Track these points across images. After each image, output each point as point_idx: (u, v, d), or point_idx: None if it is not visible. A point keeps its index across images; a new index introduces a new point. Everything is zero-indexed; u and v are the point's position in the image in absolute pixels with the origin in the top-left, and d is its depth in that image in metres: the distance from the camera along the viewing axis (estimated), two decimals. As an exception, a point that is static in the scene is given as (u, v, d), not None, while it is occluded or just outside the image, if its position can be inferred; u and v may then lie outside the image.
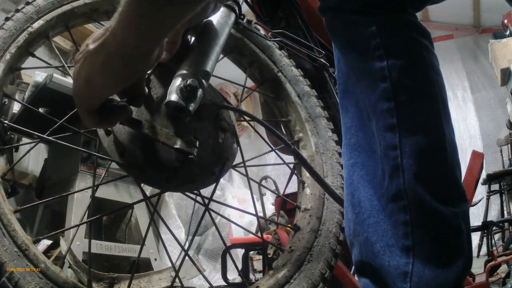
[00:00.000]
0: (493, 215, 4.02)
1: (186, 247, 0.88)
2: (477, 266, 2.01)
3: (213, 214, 0.91)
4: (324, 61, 1.37)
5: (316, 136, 1.06)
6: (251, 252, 2.78)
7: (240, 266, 2.24)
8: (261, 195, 3.00)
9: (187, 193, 0.86)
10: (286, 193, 1.66)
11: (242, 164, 0.90)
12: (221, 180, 0.94)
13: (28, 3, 0.86)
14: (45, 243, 2.05)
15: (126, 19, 0.51)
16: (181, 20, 0.54)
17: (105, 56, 0.53)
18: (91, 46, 0.54)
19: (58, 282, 0.68)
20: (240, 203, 3.94)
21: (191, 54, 0.71)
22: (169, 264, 2.04)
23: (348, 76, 0.69)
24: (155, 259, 2.40)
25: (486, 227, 2.59)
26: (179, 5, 0.52)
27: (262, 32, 1.15)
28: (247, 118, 0.96)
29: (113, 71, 0.54)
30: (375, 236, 0.60)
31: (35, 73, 2.28)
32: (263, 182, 2.88)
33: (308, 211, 0.97)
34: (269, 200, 3.39)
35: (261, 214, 2.72)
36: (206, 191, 0.81)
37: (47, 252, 2.08)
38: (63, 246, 1.64)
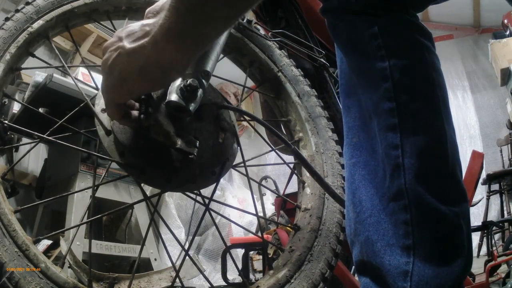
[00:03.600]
0: (493, 215, 4.02)
1: (186, 247, 0.88)
2: (477, 266, 2.01)
3: (213, 214, 0.91)
4: (324, 61, 1.37)
5: (316, 136, 1.06)
6: (251, 252, 2.78)
7: (240, 266, 2.24)
8: (261, 195, 3.00)
9: (187, 193, 0.86)
10: (286, 193, 1.66)
11: (242, 164, 0.90)
12: (221, 180, 0.94)
13: (28, 3, 0.86)
14: (45, 243, 2.05)
15: (171, 31, 0.51)
16: (222, 33, 0.58)
17: (143, 63, 0.54)
18: (129, 46, 0.54)
19: (58, 282, 0.68)
20: (240, 203, 3.94)
21: (191, 54, 0.71)
22: (169, 264, 2.03)
23: (350, 76, 0.69)
24: (155, 259, 2.39)
25: (486, 227, 2.59)
26: (225, 19, 0.52)
27: (262, 32, 1.15)
28: (247, 118, 0.96)
29: (149, 77, 0.55)
30: (376, 235, 0.60)
31: (35, 73, 2.28)
32: (263, 182, 2.88)
33: (308, 211, 0.97)
34: (269, 200, 3.39)
35: (261, 214, 2.72)
36: (206, 191, 0.81)
37: (47, 252, 2.07)
38: (63, 246, 1.64)
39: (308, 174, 1.00)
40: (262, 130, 1.02)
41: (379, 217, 0.60)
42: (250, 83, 1.13)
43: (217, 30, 0.53)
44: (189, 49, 0.53)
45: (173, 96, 0.68)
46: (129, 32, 0.56)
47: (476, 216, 3.92)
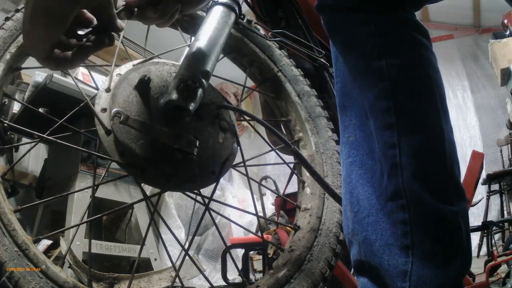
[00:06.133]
0: (493, 215, 4.02)
1: (186, 247, 0.88)
2: (477, 266, 2.01)
3: (213, 214, 0.91)
4: (324, 61, 1.37)
5: (316, 136, 1.06)
6: (251, 252, 2.78)
7: (240, 266, 2.25)
8: (261, 195, 3.00)
9: (187, 193, 0.86)
10: (286, 193, 1.66)
11: (242, 164, 0.90)
12: (221, 180, 0.94)
13: (28, 3, 0.86)
14: (45, 243, 2.05)
15: None
16: None
17: None
18: None
19: (58, 282, 0.68)
20: (240, 203, 3.94)
21: (191, 53, 0.71)
22: (169, 264, 2.03)
23: (346, 75, 0.69)
24: (155, 259, 2.40)
25: (486, 227, 2.58)
26: None
27: (262, 32, 1.15)
28: (247, 118, 0.96)
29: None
30: (374, 235, 0.60)
31: (35, 73, 2.28)
32: (263, 182, 2.88)
33: (308, 211, 0.97)
34: (269, 200, 3.39)
35: (261, 214, 2.72)
36: (206, 191, 0.81)
37: (47, 252, 2.08)
38: (63, 246, 1.64)
39: (308, 174, 1.00)
40: (262, 130, 1.03)
41: (377, 217, 0.60)
42: (250, 83, 1.13)
43: None
44: None
45: (173, 96, 0.68)
46: None
47: (476, 216, 3.92)
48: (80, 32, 0.57)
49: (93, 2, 0.54)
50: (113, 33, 0.60)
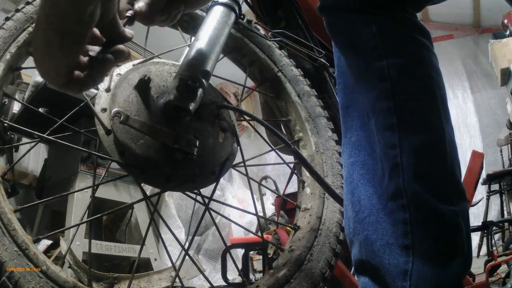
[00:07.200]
0: (493, 215, 4.03)
1: (186, 247, 0.88)
2: (477, 266, 2.01)
3: (213, 214, 0.91)
4: (324, 61, 1.37)
5: (316, 136, 1.06)
6: (251, 252, 2.78)
7: (240, 266, 2.24)
8: (261, 195, 3.00)
9: (187, 193, 0.86)
10: (286, 193, 1.66)
11: (242, 164, 0.90)
12: (221, 180, 0.94)
13: (28, 3, 0.86)
14: (45, 243, 2.05)
15: None
16: None
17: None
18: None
19: (58, 282, 0.68)
20: (240, 203, 3.95)
21: (191, 53, 0.71)
22: (169, 264, 2.03)
23: (347, 75, 0.69)
24: (155, 259, 2.40)
25: (486, 227, 2.59)
26: None
27: (262, 32, 1.15)
28: (247, 118, 0.96)
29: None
30: (375, 234, 0.60)
31: (35, 73, 2.28)
32: (263, 182, 2.88)
33: (308, 211, 0.97)
34: (269, 200, 3.39)
35: (261, 214, 2.71)
36: (206, 191, 0.81)
37: (47, 252, 2.08)
38: (63, 246, 1.64)
39: (308, 174, 1.00)
40: (262, 130, 1.03)
41: (378, 216, 0.60)
42: (250, 83, 1.13)
43: None
44: None
45: (173, 96, 0.68)
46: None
47: (476, 216, 3.92)
48: (91, 53, 0.55)
49: (106, 18, 0.52)
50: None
